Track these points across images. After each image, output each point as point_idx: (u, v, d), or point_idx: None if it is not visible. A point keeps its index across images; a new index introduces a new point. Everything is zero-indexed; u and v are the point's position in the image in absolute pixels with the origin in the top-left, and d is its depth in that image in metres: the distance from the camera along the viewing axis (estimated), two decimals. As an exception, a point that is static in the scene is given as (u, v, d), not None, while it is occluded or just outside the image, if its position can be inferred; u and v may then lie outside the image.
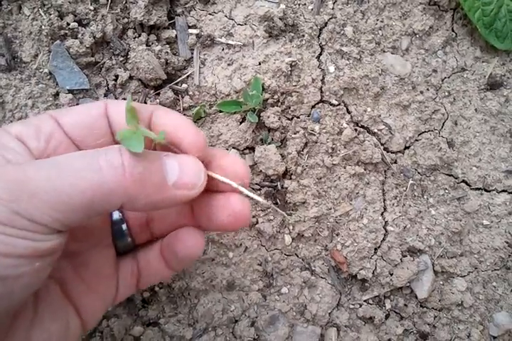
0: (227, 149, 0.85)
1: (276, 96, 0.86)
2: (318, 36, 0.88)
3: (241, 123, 0.86)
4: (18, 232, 0.43)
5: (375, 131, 0.88)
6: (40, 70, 0.83)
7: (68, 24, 0.83)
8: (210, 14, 0.90)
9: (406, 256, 0.87)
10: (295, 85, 0.87)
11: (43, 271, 0.47)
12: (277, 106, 0.86)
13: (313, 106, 0.87)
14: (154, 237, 0.65)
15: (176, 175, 0.50)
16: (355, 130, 0.87)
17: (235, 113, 0.86)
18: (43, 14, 0.82)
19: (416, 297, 0.87)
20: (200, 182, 0.52)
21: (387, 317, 0.87)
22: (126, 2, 0.87)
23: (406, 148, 0.89)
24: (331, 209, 0.86)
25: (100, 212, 0.47)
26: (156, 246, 0.63)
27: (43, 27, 0.82)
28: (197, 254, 0.60)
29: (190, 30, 0.89)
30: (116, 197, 0.46)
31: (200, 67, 0.88)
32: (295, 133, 0.86)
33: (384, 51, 0.90)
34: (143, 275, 0.63)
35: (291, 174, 0.86)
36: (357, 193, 0.88)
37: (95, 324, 0.71)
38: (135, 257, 0.63)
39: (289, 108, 0.86)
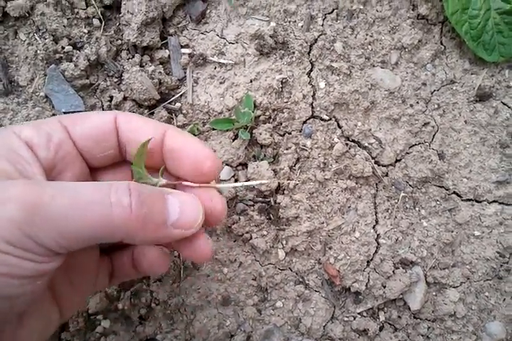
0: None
1: (267, 113, 0.88)
2: (309, 53, 0.90)
3: (234, 140, 0.88)
4: (26, 254, 0.45)
5: (366, 145, 0.90)
6: (37, 94, 0.85)
7: (63, 48, 0.85)
8: (202, 33, 0.91)
9: (398, 268, 0.89)
10: (286, 102, 0.88)
11: (42, 287, 0.50)
12: (269, 122, 0.88)
13: (304, 122, 0.89)
14: None
15: (176, 216, 0.54)
16: (346, 144, 0.89)
17: (227, 130, 0.88)
18: (38, 39, 0.85)
19: (409, 308, 0.88)
20: (197, 223, 0.56)
21: (381, 329, 0.89)
22: (119, 24, 0.89)
23: (397, 161, 0.91)
24: (323, 223, 0.88)
25: (100, 241, 0.50)
26: (129, 250, 0.66)
27: (38, 51, 0.84)
28: (159, 272, 0.64)
29: (183, 50, 0.91)
30: (119, 232, 0.49)
31: (193, 86, 0.90)
32: (287, 149, 0.87)
33: (373, 66, 0.91)
34: (115, 274, 0.67)
35: (284, 189, 0.87)
36: (349, 207, 0.89)
37: (70, 316, 0.78)
38: (111, 257, 0.67)
39: (281, 124, 0.88)
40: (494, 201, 0.92)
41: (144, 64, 0.89)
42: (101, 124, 0.59)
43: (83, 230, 0.47)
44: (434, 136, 0.91)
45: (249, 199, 0.88)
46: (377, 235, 0.89)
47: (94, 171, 0.62)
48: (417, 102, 0.91)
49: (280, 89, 0.88)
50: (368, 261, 0.89)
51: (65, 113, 0.85)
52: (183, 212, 0.54)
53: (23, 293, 0.47)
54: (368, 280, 0.88)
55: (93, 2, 0.87)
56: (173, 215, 0.53)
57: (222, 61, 0.90)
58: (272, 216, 0.87)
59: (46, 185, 0.48)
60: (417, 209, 0.91)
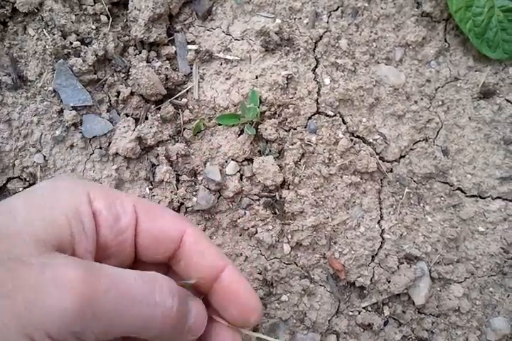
0: (226, 161, 0.88)
1: (273, 109, 0.89)
2: (314, 49, 0.91)
3: (239, 135, 0.89)
4: None
5: (371, 140, 0.90)
6: (45, 88, 0.86)
7: (71, 43, 0.86)
8: (208, 30, 0.92)
9: (403, 263, 0.89)
10: (291, 97, 0.89)
11: None
12: (274, 118, 0.89)
13: (309, 118, 0.89)
14: None
15: (192, 322, 0.53)
16: (351, 140, 0.89)
17: (233, 125, 0.89)
18: (46, 34, 0.86)
19: (414, 303, 0.89)
20: (202, 330, 0.55)
21: (385, 323, 0.89)
22: (126, 20, 0.90)
23: (401, 157, 0.91)
24: (328, 218, 0.88)
25: (128, 335, 0.49)
26: None
27: (47, 46, 0.85)
28: None
29: (189, 46, 0.91)
30: (153, 331, 0.48)
31: (199, 82, 0.91)
32: (292, 145, 0.88)
33: (378, 62, 0.92)
34: None
35: (289, 184, 0.88)
36: (354, 202, 0.90)
37: None
38: None
39: (286, 120, 0.89)
40: (498, 197, 0.92)
41: (150, 60, 0.90)
42: (170, 232, 0.56)
43: (123, 327, 0.46)
44: (438, 132, 0.92)
45: (255, 194, 0.88)
46: (382, 230, 0.90)
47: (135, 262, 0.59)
48: (422, 99, 0.92)
49: (285, 85, 0.89)
50: (372, 256, 0.89)
51: (73, 107, 0.86)
52: (197, 318, 0.54)
53: None
54: (373, 275, 0.88)
55: (101, -1, 0.88)
56: (190, 321, 0.53)
57: (228, 57, 0.91)
58: (277, 210, 0.88)
59: (100, 274, 0.46)
60: (421, 204, 0.91)
